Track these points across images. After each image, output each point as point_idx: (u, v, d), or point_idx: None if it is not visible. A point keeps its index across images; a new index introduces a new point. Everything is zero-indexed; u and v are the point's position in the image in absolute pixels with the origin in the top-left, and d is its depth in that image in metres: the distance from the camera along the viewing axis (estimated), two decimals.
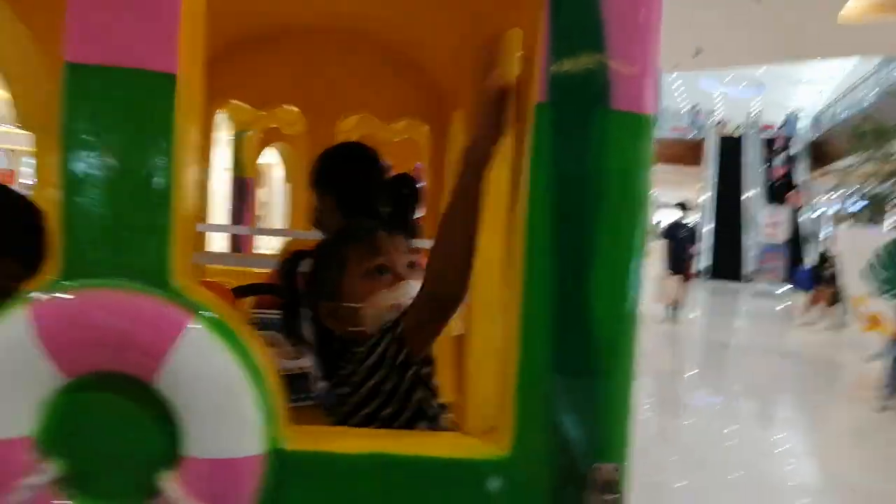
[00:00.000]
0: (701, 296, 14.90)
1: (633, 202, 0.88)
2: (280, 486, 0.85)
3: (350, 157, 1.95)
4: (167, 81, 0.81)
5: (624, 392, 0.89)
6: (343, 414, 1.18)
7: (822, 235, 19.02)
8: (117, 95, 0.81)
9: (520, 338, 0.88)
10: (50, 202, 0.84)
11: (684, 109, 26.55)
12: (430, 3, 1.63)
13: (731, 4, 11.64)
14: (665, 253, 10.71)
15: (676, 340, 9.92)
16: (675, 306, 10.64)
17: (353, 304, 1.23)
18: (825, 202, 21.40)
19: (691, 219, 12.29)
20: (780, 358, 9.12)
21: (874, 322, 7.00)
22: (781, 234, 18.14)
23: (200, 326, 0.81)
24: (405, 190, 2.65)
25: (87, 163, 0.80)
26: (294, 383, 1.77)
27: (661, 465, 4.40)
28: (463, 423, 1.26)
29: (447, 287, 1.07)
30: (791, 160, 21.97)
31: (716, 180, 21.60)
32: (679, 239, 10.78)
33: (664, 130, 22.89)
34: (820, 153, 21.18)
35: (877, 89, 19.27)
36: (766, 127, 23.75)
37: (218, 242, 4.79)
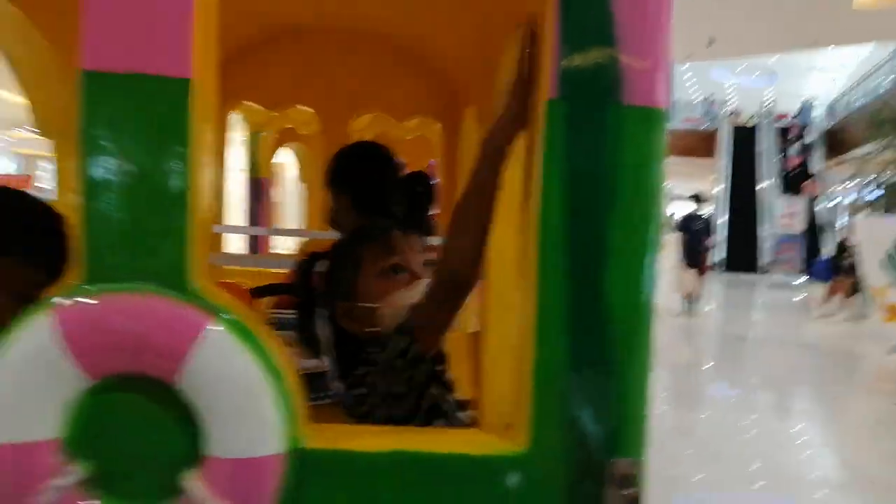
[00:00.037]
0: (717, 288, 14.80)
1: (647, 196, 0.88)
2: (301, 484, 0.86)
3: (365, 157, 1.96)
4: (182, 86, 0.82)
5: (640, 386, 0.89)
6: (361, 414, 1.19)
7: (838, 225, 18.83)
8: (133, 102, 0.81)
9: (535, 334, 0.89)
10: (70, 207, 0.85)
11: (697, 100, 26.31)
12: (441, 2, 1.63)
13: None
14: (680, 246, 10.65)
15: (693, 333, 9.86)
16: (690, 299, 10.59)
17: (368, 304, 1.24)
18: (841, 191, 21.18)
19: (706, 211, 12.20)
20: (798, 350, 9.02)
21: (895, 313, 6.92)
22: (798, 225, 17.96)
23: (219, 328, 0.82)
24: (419, 188, 2.66)
25: (104, 168, 0.81)
26: (313, 382, 1.77)
27: (677, 458, 4.38)
28: (480, 420, 1.26)
29: (458, 272, 1.07)
30: (806, 149, 21.70)
31: (730, 171, 21.38)
32: (694, 231, 10.71)
33: (676, 121, 22.69)
34: (835, 142, 20.92)
35: (892, 76, 19.01)
36: (781, 116, 23.47)
37: (235, 243, 4.83)
